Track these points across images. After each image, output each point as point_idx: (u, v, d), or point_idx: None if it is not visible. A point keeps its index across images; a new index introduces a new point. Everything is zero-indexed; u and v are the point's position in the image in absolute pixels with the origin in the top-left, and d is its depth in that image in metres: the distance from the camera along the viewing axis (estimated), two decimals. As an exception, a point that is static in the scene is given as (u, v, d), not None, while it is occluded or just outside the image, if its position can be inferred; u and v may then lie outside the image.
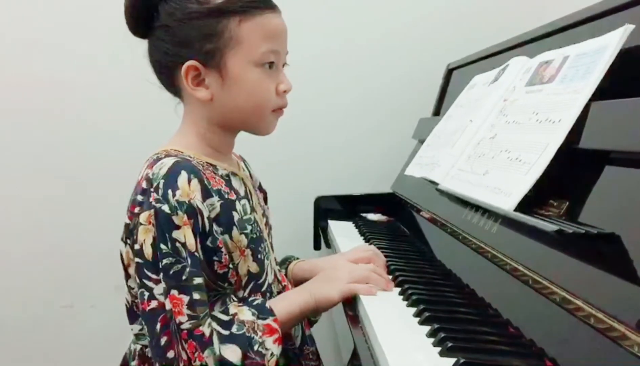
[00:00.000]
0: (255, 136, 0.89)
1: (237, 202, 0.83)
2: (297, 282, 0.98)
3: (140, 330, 0.83)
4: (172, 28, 0.80)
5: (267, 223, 0.95)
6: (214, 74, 0.81)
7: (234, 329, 0.75)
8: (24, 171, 1.67)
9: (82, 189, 1.69)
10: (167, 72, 0.84)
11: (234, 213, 0.81)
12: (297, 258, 1.07)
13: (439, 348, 0.64)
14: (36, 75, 1.64)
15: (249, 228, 0.83)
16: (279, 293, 0.90)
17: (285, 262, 1.06)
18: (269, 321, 0.78)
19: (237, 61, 0.80)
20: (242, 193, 0.86)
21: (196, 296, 0.73)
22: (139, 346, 0.84)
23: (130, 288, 0.82)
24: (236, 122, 0.86)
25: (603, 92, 0.73)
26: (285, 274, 1.02)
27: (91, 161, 1.68)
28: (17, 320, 1.71)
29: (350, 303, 0.85)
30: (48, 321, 1.73)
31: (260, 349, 0.75)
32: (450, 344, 0.64)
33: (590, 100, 0.73)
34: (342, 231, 1.36)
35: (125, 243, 0.79)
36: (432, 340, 0.67)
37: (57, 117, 1.66)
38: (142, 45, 0.85)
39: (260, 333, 0.76)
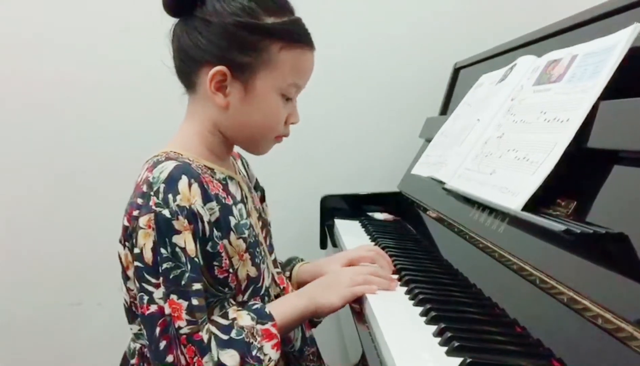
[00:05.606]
0: None
1: (233, 207, 0.83)
2: (302, 284, 0.97)
3: (140, 329, 0.83)
4: (214, 26, 0.79)
5: (264, 225, 0.95)
6: (239, 86, 0.81)
7: (233, 334, 0.75)
8: (32, 169, 1.68)
9: (91, 188, 1.70)
10: (190, 63, 0.82)
11: (231, 218, 0.81)
12: (302, 260, 1.07)
13: (445, 348, 0.64)
14: (41, 74, 1.65)
15: (246, 232, 0.83)
16: (277, 296, 0.90)
17: (289, 264, 1.06)
18: (268, 326, 0.78)
19: (266, 83, 0.81)
20: (238, 198, 0.86)
21: (195, 301, 0.73)
22: (138, 345, 0.84)
23: (129, 289, 0.82)
24: (240, 136, 0.86)
25: (611, 91, 0.72)
26: (290, 277, 1.02)
27: (99, 160, 1.68)
28: (27, 317, 1.72)
29: (356, 304, 0.85)
30: (57, 319, 1.75)
31: (258, 354, 0.75)
32: (456, 343, 0.64)
33: (599, 99, 0.73)
34: (349, 230, 1.36)
35: (124, 245, 0.79)
36: (438, 339, 0.67)
37: (66, 116, 1.67)
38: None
39: (259, 338, 0.76)
